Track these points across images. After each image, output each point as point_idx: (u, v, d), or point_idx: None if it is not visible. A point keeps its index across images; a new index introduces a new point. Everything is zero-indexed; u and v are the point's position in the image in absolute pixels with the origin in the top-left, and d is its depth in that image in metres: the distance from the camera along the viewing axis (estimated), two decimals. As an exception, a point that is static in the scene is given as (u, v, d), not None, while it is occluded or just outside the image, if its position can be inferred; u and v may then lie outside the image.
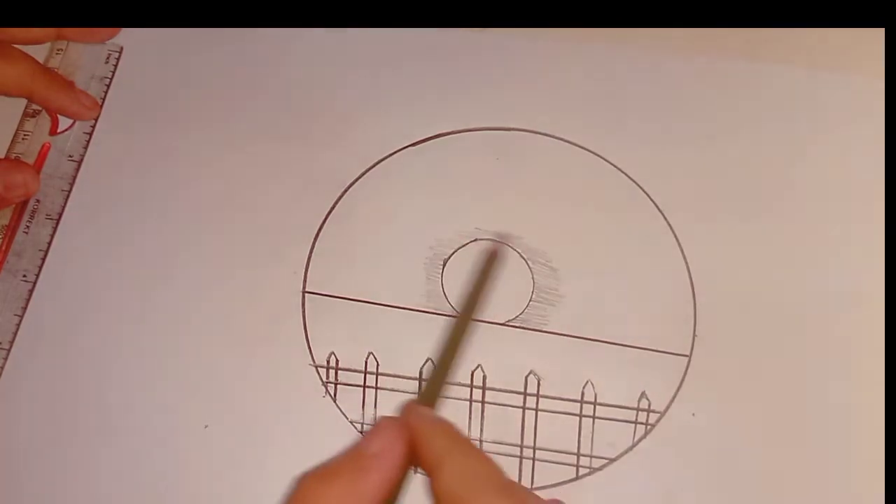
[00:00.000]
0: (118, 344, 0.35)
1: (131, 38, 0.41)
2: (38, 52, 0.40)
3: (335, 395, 0.34)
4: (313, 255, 0.36)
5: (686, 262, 0.36)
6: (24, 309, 0.36)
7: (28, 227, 0.37)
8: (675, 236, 0.36)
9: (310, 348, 0.35)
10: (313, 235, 0.37)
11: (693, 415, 0.34)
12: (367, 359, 0.34)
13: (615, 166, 0.38)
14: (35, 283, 0.36)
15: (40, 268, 0.37)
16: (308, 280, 0.36)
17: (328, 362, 0.34)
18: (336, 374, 0.34)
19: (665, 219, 0.37)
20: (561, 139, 0.38)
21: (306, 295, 0.36)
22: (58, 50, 0.41)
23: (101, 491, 0.33)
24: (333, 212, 0.37)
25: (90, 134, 0.39)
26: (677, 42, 0.40)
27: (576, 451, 0.33)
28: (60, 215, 0.38)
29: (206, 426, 0.33)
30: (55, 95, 0.38)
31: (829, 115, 0.38)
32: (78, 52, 0.41)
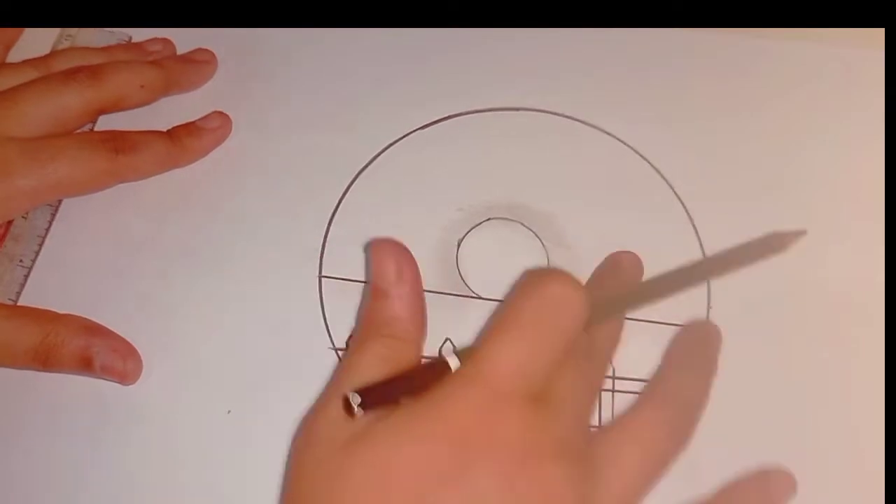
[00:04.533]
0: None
1: (142, 31, 0.40)
2: (45, 40, 0.39)
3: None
4: (328, 239, 0.36)
5: (698, 236, 0.36)
6: (19, 294, 0.35)
7: (28, 211, 0.36)
8: (687, 211, 0.37)
9: (329, 332, 0.34)
10: (328, 220, 0.36)
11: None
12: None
13: (627, 144, 0.38)
14: (31, 269, 0.35)
15: (37, 253, 0.35)
16: (324, 264, 0.35)
17: (348, 345, 0.33)
18: (356, 356, 0.33)
19: (676, 195, 0.37)
20: (572, 118, 0.38)
21: (323, 279, 0.35)
22: (67, 36, 0.40)
23: (122, 478, 0.32)
24: (346, 196, 0.37)
25: (94, 122, 0.38)
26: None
27: (597, 424, 0.33)
28: (60, 200, 0.36)
29: (228, 411, 0.33)
30: (182, 83, 0.38)
31: (849, 93, 0.39)
32: (87, 41, 0.40)
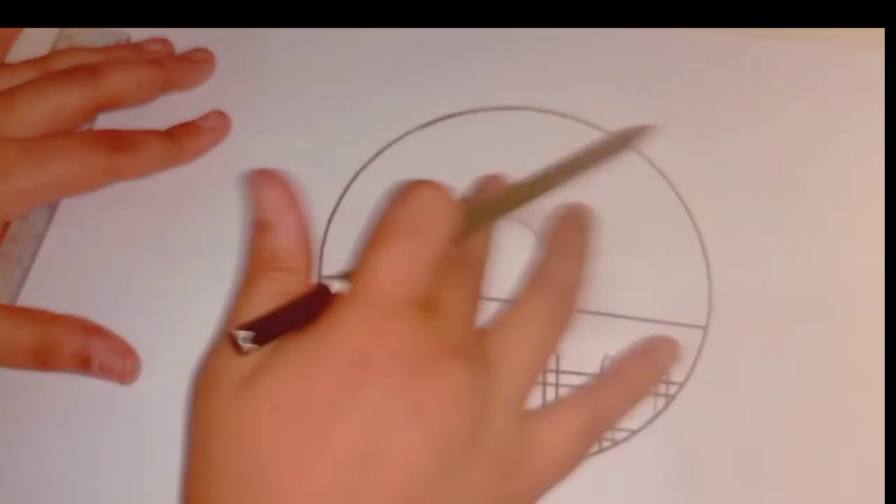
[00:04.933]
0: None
1: (141, 31, 0.40)
2: (43, 40, 0.39)
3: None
4: (327, 239, 0.36)
5: (699, 235, 0.36)
6: (17, 295, 0.35)
7: (26, 211, 0.35)
8: (687, 211, 0.37)
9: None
10: (327, 220, 0.36)
11: (712, 384, 0.33)
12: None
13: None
14: (29, 270, 0.35)
15: (35, 254, 0.35)
16: (324, 264, 0.35)
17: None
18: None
19: (677, 194, 0.37)
20: (572, 118, 0.38)
21: (322, 280, 0.35)
22: (66, 36, 0.40)
23: (121, 477, 0.32)
24: (346, 196, 0.37)
25: (93, 121, 0.38)
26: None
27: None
28: (58, 201, 0.36)
29: None
30: (180, 82, 0.38)
31: (849, 93, 0.39)
32: (87, 41, 0.40)
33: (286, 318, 0.26)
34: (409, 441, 0.24)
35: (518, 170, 0.37)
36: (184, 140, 0.36)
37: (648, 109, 0.38)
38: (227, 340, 0.26)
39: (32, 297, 0.35)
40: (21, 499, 0.32)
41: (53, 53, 0.38)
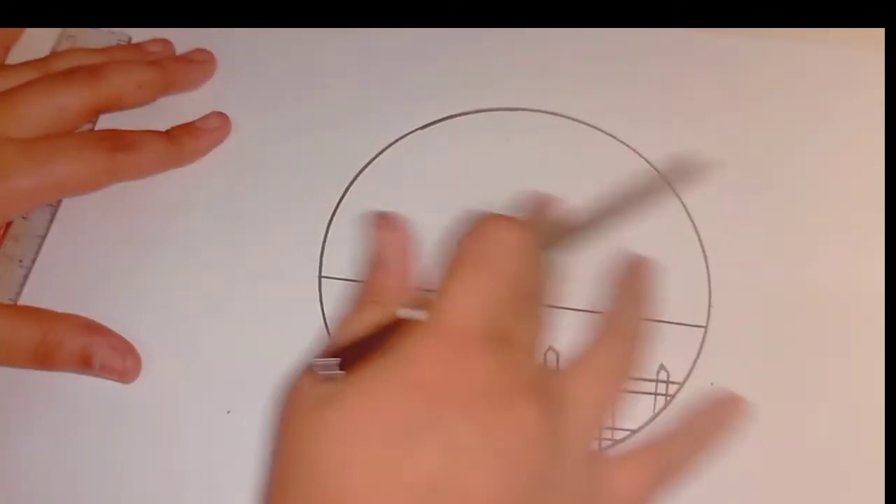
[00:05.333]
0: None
1: (141, 31, 0.40)
2: (45, 41, 0.40)
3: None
4: (328, 239, 0.36)
5: (698, 236, 0.36)
6: (19, 294, 0.35)
7: (27, 211, 0.36)
8: (686, 209, 0.37)
9: (329, 332, 0.34)
10: (328, 220, 0.36)
11: (711, 384, 0.34)
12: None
13: (627, 144, 0.38)
14: (30, 269, 0.35)
15: (37, 254, 0.36)
16: (324, 264, 0.35)
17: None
18: (355, 355, 0.33)
19: (676, 195, 0.37)
20: (571, 118, 0.38)
21: (323, 279, 0.35)
22: (67, 37, 0.40)
23: (122, 476, 0.32)
24: (346, 196, 0.37)
25: (94, 122, 0.38)
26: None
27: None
28: (60, 201, 0.37)
29: (228, 411, 0.33)
30: (181, 83, 0.38)
31: (849, 93, 0.39)
32: (88, 41, 0.40)
33: (367, 345, 0.26)
34: (487, 474, 0.24)
35: (518, 171, 0.37)
36: (184, 141, 0.37)
37: (648, 110, 0.39)
38: (313, 366, 0.26)
39: (34, 296, 0.35)
40: (22, 497, 0.32)
41: (54, 54, 0.38)
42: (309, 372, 0.27)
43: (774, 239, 0.36)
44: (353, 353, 0.26)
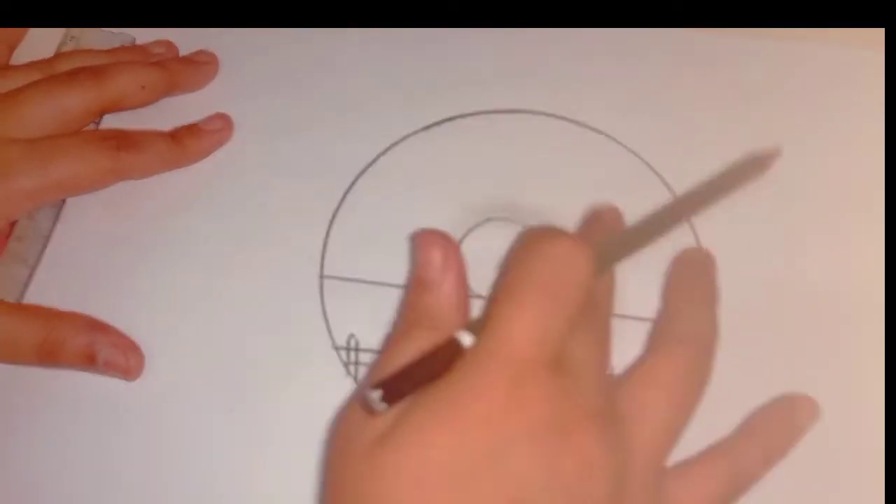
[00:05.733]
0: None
1: (143, 31, 0.41)
2: (50, 41, 0.40)
3: (356, 376, 0.33)
4: (329, 239, 0.36)
5: (696, 237, 0.36)
6: (23, 293, 0.35)
7: (32, 211, 0.36)
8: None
9: (329, 332, 0.34)
10: (329, 220, 0.36)
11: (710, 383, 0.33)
12: (386, 340, 0.34)
13: (626, 146, 0.38)
14: (35, 269, 0.35)
15: (41, 253, 0.36)
16: (325, 264, 0.35)
17: (349, 344, 0.34)
18: (357, 355, 0.33)
19: (674, 194, 0.37)
20: (571, 121, 0.38)
21: (324, 279, 0.35)
22: (71, 37, 0.40)
23: (123, 475, 0.32)
24: (347, 197, 0.37)
25: (97, 123, 0.38)
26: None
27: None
28: (64, 201, 0.37)
29: (230, 410, 0.33)
30: (184, 84, 0.38)
31: (849, 93, 0.39)
32: (92, 42, 0.40)
33: (417, 374, 0.25)
34: None
35: (520, 173, 0.37)
36: (187, 142, 0.37)
37: (649, 111, 0.39)
38: (359, 400, 0.25)
39: (38, 295, 0.35)
40: (25, 496, 0.32)
41: (58, 55, 0.38)
42: (354, 408, 0.25)
43: (773, 239, 0.36)
44: (407, 381, 0.25)
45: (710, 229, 0.36)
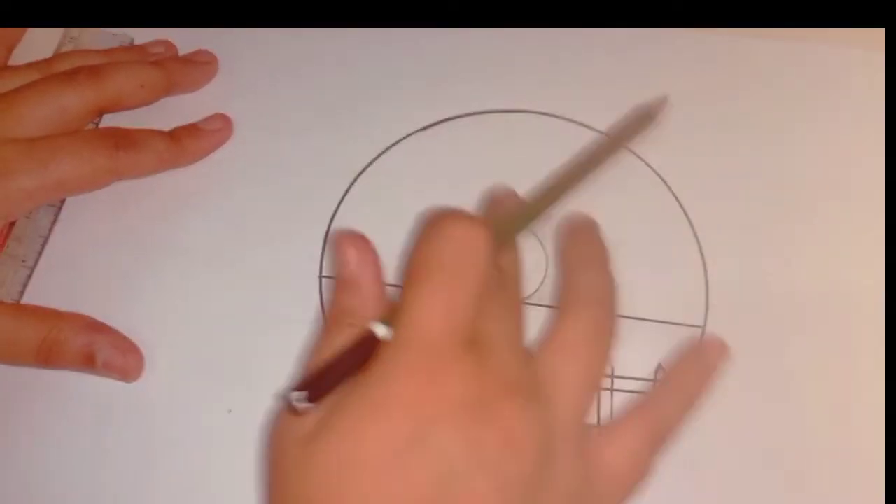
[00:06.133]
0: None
1: (142, 31, 0.41)
2: (48, 41, 0.40)
3: (356, 376, 0.33)
4: (329, 240, 0.36)
5: (696, 236, 0.36)
6: (22, 294, 0.35)
7: (31, 211, 0.36)
8: (685, 211, 0.37)
9: (327, 331, 0.34)
10: (328, 220, 0.36)
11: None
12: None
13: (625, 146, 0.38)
14: (34, 269, 0.36)
15: (40, 253, 0.36)
16: (324, 264, 0.35)
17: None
18: (356, 354, 0.34)
19: (674, 195, 0.37)
20: (571, 121, 0.38)
21: (323, 279, 0.35)
22: (70, 38, 0.40)
23: (123, 475, 0.32)
24: (347, 197, 0.37)
25: (97, 123, 0.38)
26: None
27: (596, 423, 0.33)
28: (63, 201, 0.37)
29: (229, 410, 0.33)
30: (183, 84, 0.39)
31: (849, 93, 0.39)
32: (91, 42, 0.40)
33: (338, 370, 0.25)
34: (477, 489, 0.24)
35: (518, 172, 0.37)
36: (186, 141, 0.37)
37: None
38: (287, 397, 0.25)
39: (37, 295, 0.35)
40: (25, 496, 0.32)
41: (57, 56, 0.38)
42: (286, 407, 0.26)
43: (773, 239, 0.36)
44: (329, 379, 0.25)
45: (711, 229, 0.36)
